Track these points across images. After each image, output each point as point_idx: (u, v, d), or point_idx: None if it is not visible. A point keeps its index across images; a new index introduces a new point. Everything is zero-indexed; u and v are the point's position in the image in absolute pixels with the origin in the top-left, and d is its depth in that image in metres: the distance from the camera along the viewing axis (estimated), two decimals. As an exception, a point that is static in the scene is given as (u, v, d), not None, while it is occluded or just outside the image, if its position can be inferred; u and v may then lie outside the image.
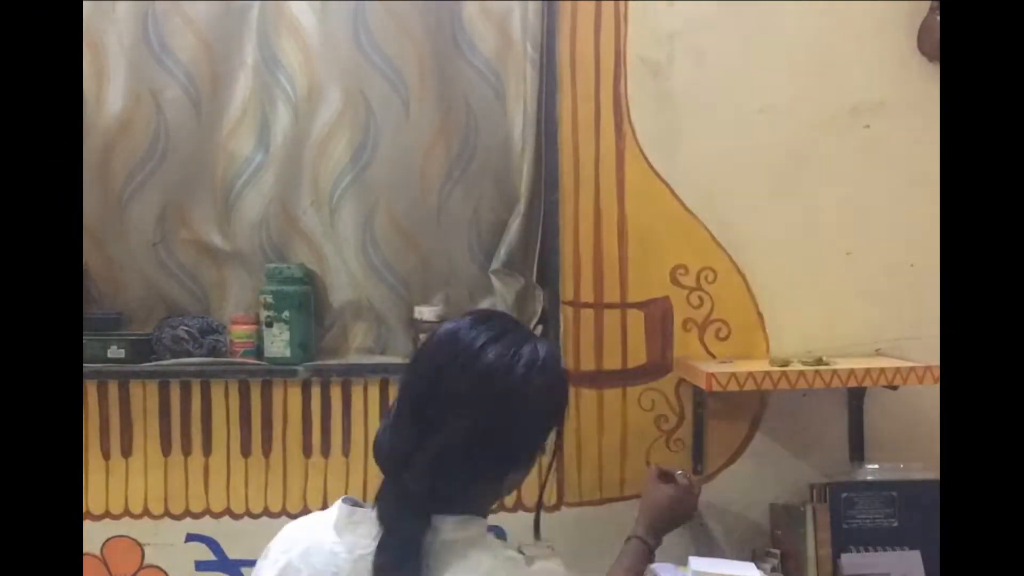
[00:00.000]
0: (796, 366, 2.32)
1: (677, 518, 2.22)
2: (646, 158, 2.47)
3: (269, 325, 2.46)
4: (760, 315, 2.50)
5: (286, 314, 2.45)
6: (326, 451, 2.49)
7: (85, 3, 2.40)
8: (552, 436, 1.62)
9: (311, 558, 1.54)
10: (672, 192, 2.47)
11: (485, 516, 1.57)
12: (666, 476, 2.27)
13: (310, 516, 1.65)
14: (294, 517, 2.44)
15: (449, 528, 1.49)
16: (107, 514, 2.47)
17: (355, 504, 1.57)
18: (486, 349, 1.52)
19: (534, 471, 1.62)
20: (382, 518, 1.49)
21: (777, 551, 2.38)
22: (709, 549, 2.46)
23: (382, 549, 1.46)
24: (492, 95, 2.48)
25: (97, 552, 2.47)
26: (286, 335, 2.46)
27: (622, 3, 2.46)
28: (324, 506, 2.47)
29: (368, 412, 2.49)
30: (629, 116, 2.46)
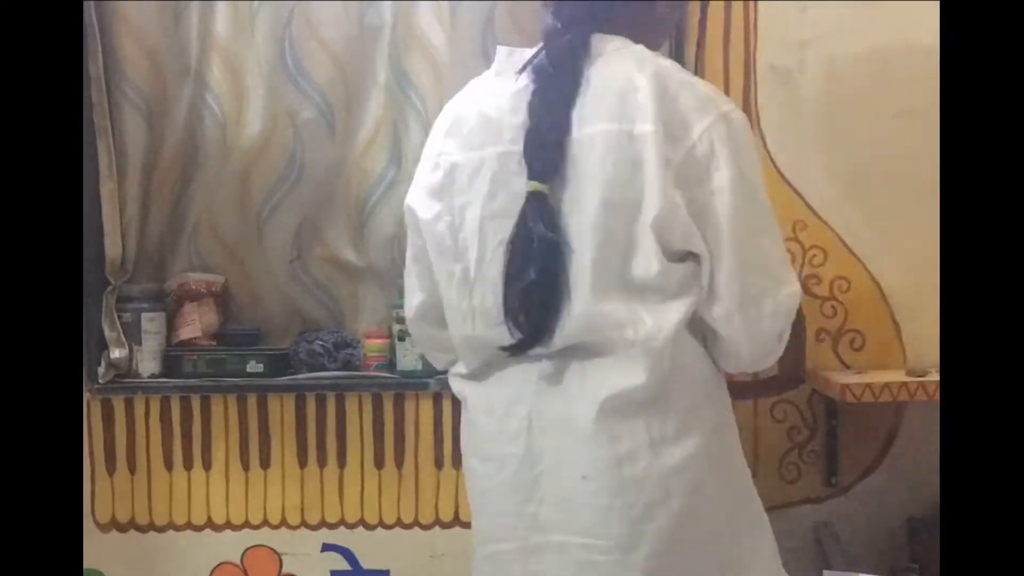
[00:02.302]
0: (934, 376, 2.27)
1: None
2: (777, 167, 2.44)
3: (401, 339, 2.50)
4: (896, 324, 2.45)
5: (418, 327, 2.48)
6: (457, 462, 2.49)
7: (225, 30, 2.49)
8: None
9: (476, 104, 1.66)
10: (804, 201, 2.45)
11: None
12: None
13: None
14: (426, 528, 2.52)
15: (601, 42, 1.60)
16: (247, 524, 2.53)
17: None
18: None
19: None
20: (546, 46, 1.61)
21: (916, 566, 2.33)
22: (845, 564, 2.41)
23: (541, 70, 1.59)
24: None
25: (237, 561, 2.53)
26: (418, 348, 2.49)
27: (752, 11, 2.44)
28: (455, 518, 2.54)
29: (498, 424, 2.50)
30: (759, 124, 2.44)
